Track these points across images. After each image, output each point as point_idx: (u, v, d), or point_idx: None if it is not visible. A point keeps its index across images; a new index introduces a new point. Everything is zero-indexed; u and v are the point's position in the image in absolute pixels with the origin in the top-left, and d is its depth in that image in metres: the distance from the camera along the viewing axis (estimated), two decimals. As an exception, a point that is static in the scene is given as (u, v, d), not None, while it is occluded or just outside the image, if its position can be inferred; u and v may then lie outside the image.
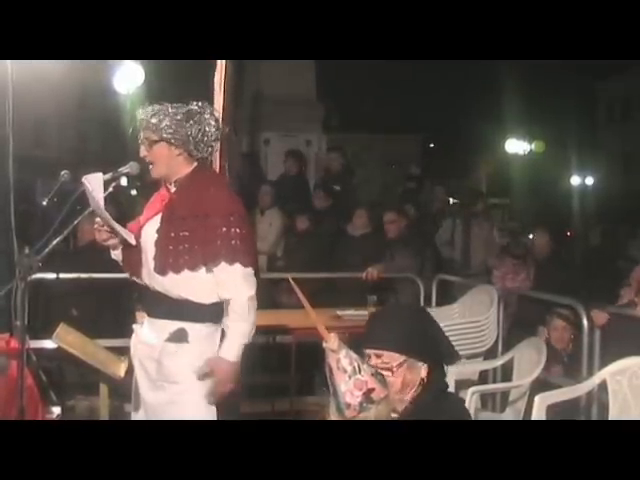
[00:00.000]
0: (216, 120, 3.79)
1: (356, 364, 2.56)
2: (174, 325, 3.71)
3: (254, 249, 3.90)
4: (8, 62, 3.84)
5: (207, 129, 3.72)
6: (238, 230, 3.65)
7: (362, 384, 2.53)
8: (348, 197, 9.30)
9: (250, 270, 3.70)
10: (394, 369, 2.68)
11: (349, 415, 2.53)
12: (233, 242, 3.63)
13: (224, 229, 3.63)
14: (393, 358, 2.70)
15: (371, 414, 2.53)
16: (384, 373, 2.66)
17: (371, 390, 2.54)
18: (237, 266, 3.65)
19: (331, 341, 2.58)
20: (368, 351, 2.75)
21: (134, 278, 3.89)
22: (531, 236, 8.50)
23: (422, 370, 2.73)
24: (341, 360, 2.55)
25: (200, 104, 3.76)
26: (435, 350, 2.78)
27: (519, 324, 6.79)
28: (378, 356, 2.72)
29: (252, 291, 3.71)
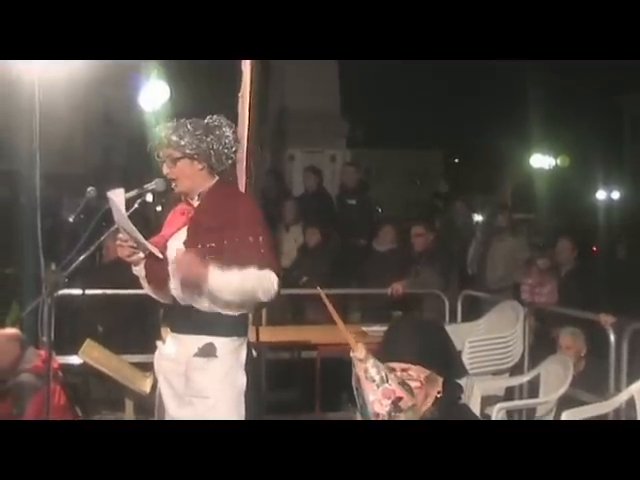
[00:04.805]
0: (233, 132, 3.88)
1: (384, 373, 2.56)
2: (202, 340, 3.72)
3: (278, 258, 3.90)
4: (35, 79, 3.88)
5: (226, 142, 3.80)
6: (264, 239, 3.70)
7: (390, 393, 2.53)
8: (363, 211, 9.33)
9: (276, 277, 3.70)
10: (422, 381, 2.66)
11: None
12: (262, 250, 3.67)
13: (251, 238, 3.67)
14: (420, 371, 2.68)
15: None
16: (411, 384, 2.63)
17: (399, 399, 2.54)
18: (267, 271, 3.65)
19: (359, 350, 2.58)
20: (393, 364, 2.69)
21: (155, 294, 3.90)
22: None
23: (440, 384, 2.72)
24: (369, 369, 2.55)
25: (216, 118, 3.83)
26: (451, 364, 2.78)
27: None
28: (404, 370, 2.68)
29: (274, 287, 3.68)
